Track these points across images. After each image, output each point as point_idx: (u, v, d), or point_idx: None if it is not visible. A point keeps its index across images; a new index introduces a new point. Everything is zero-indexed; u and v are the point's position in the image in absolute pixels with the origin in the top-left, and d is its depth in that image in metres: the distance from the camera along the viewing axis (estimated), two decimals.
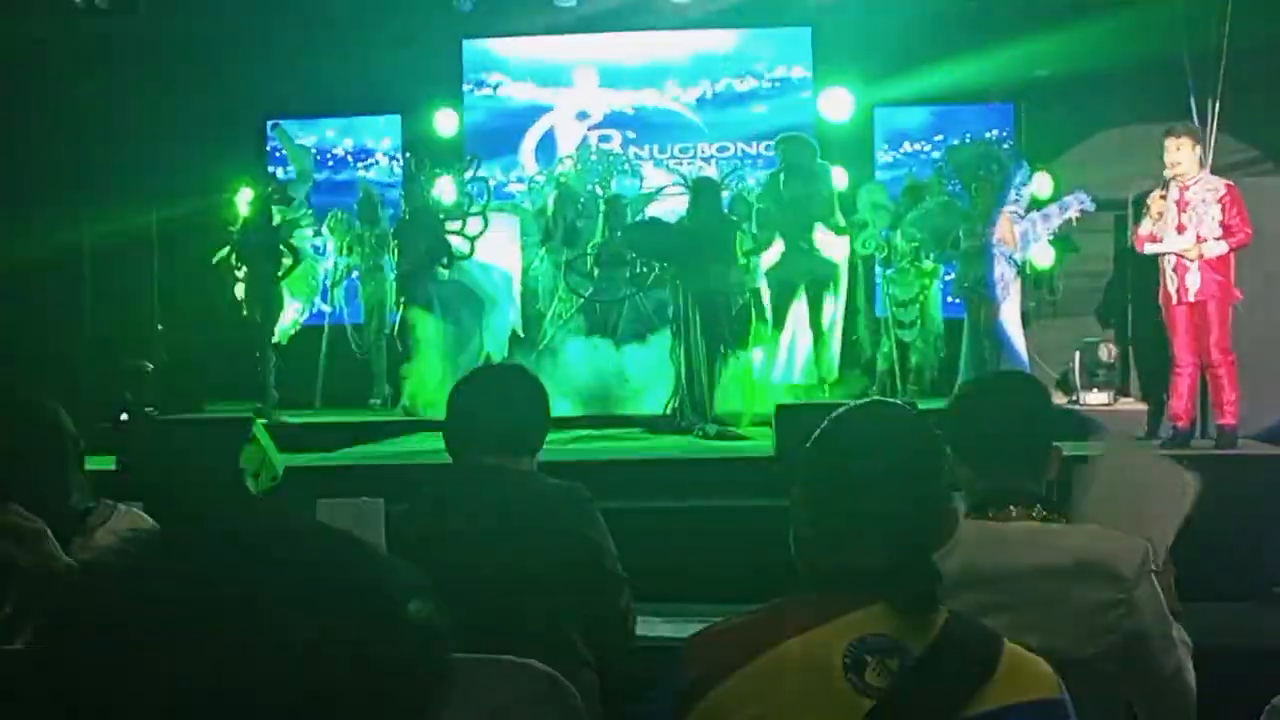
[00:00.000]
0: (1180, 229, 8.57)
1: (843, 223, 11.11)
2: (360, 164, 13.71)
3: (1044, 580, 2.74)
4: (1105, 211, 11.05)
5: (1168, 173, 8.64)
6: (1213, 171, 9.11)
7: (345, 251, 12.21)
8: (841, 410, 2.34)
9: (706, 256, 10.10)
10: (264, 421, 9.09)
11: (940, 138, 12.70)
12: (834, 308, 11.19)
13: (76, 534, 2.98)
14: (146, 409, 10.28)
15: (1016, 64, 12.05)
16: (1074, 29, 11.62)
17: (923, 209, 11.18)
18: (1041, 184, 11.23)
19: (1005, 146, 11.19)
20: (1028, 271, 11.07)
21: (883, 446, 2.22)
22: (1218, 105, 10.94)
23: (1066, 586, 2.73)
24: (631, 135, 13.69)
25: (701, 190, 10.71)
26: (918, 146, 13.17)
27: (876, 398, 6.40)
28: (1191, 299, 8.54)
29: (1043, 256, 11.32)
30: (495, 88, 13.83)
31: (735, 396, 10.44)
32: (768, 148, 13.34)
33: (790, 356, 11.04)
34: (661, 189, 12.93)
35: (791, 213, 10.79)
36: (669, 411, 10.43)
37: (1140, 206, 9.04)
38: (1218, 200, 8.53)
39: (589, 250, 11.82)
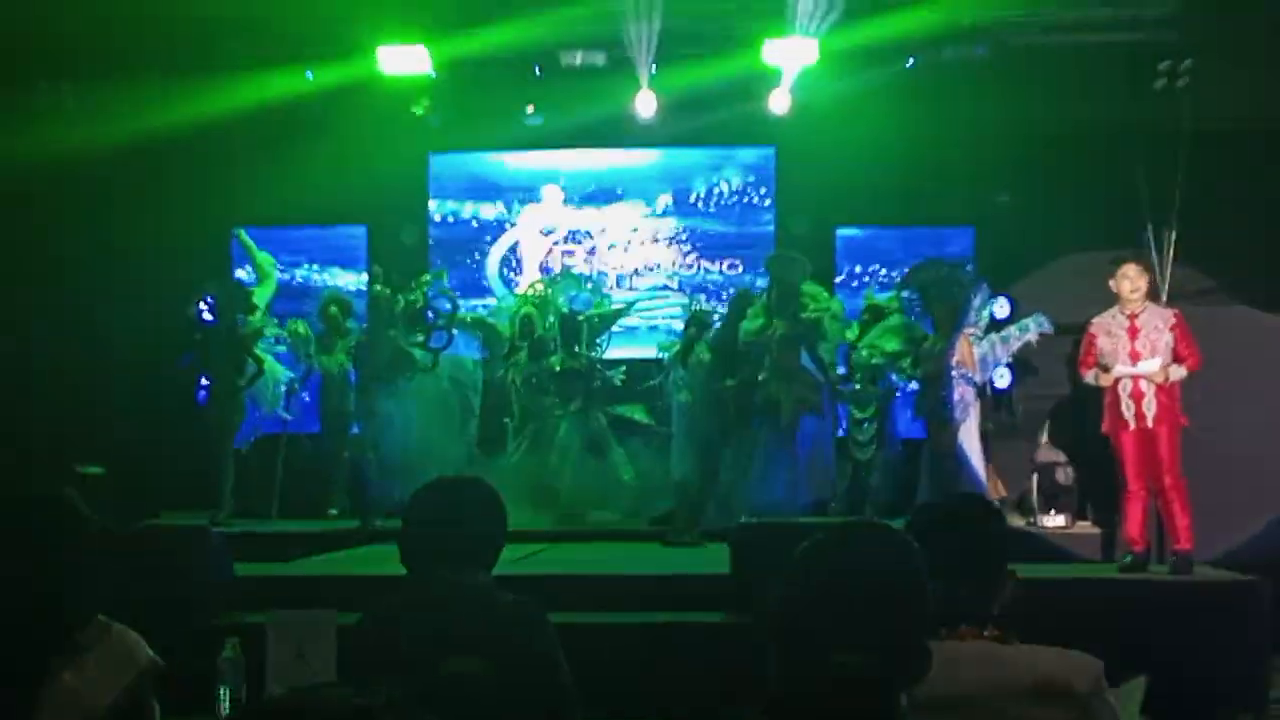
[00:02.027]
0: (1135, 355, 8.69)
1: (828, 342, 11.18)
2: (325, 274, 13.70)
3: (1001, 700, 2.73)
4: (1064, 335, 11.16)
5: (1129, 299, 8.75)
6: (1169, 300, 9.25)
7: (306, 360, 12.17)
8: (827, 535, 2.31)
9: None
10: (219, 530, 9.01)
11: (896, 271, 12.68)
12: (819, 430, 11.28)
13: (66, 653, 2.97)
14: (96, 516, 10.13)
15: (977, 189, 12.22)
16: (1033, 156, 11.81)
17: (883, 328, 11.25)
18: (1001, 307, 11.34)
19: (966, 269, 11.27)
20: (987, 393, 11.13)
21: (867, 578, 2.18)
22: (1174, 235, 11.11)
23: (1023, 707, 2.72)
24: (595, 250, 13.77)
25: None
26: (878, 268, 13.26)
27: (865, 519, 6.33)
28: (1150, 424, 8.63)
29: (1001, 379, 11.40)
30: (461, 201, 13.90)
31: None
32: (730, 265, 13.48)
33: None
34: (629, 304, 12.98)
35: (781, 332, 10.84)
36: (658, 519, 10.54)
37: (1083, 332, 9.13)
38: (1169, 328, 8.69)
39: (547, 365, 11.86)
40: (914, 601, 2.18)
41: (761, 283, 11.53)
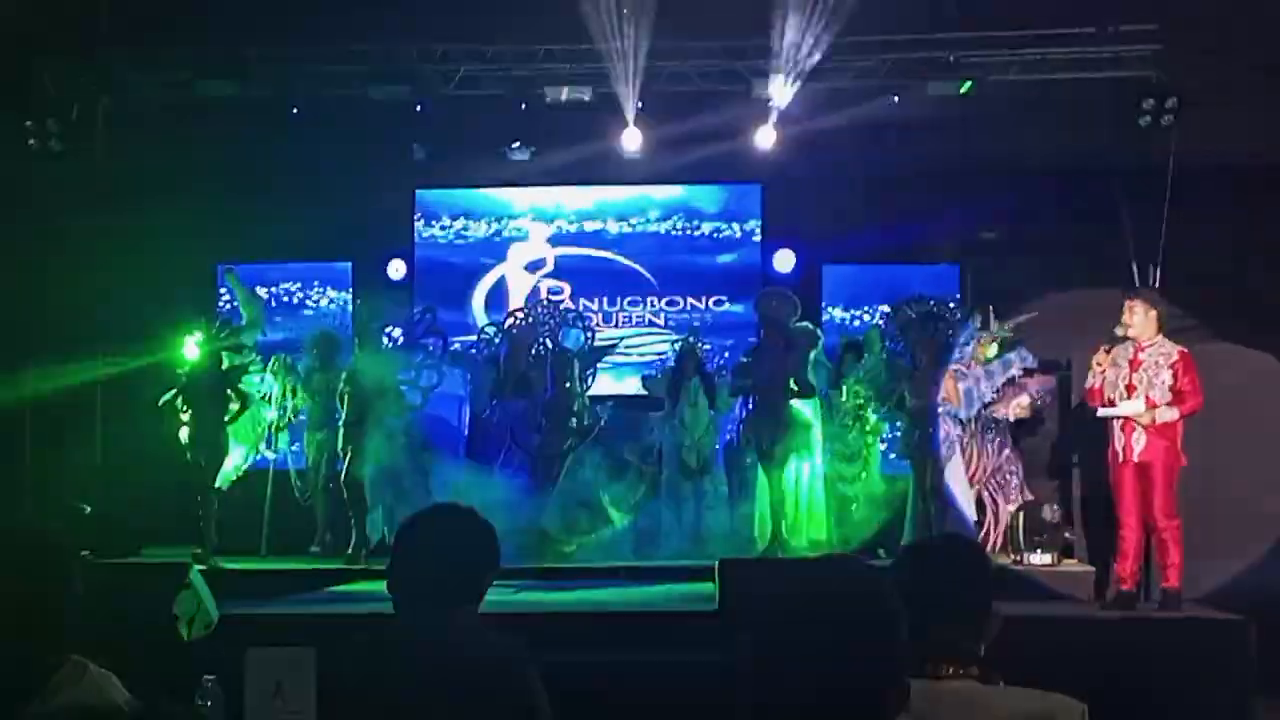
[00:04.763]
0: (1130, 389, 8.68)
1: (813, 381, 11.15)
2: (312, 311, 13.64)
3: None
4: (1046, 372, 11.17)
5: (1119, 331, 8.78)
6: None
7: (290, 396, 12.08)
8: (801, 572, 2.30)
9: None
10: (201, 567, 8.97)
11: (885, 307, 12.67)
12: (807, 468, 11.32)
13: (40, 696, 2.87)
14: (83, 552, 10.08)
15: (963, 227, 12.25)
16: (1018, 194, 11.84)
17: (869, 365, 11.24)
18: (986, 344, 11.33)
19: (951, 307, 11.27)
20: (1004, 426, 11.13)
21: (841, 614, 2.18)
22: (1159, 271, 11.12)
23: None
24: (582, 287, 13.77)
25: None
26: (865, 308, 13.24)
27: (837, 554, 6.32)
28: (1136, 459, 8.62)
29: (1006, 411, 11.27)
30: (448, 237, 13.89)
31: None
32: (716, 302, 13.48)
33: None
34: (612, 343, 13.00)
35: (768, 369, 10.83)
36: None
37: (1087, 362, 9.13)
38: (1169, 365, 8.66)
39: (537, 402, 11.82)
40: (889, 637, 2.18)
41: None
